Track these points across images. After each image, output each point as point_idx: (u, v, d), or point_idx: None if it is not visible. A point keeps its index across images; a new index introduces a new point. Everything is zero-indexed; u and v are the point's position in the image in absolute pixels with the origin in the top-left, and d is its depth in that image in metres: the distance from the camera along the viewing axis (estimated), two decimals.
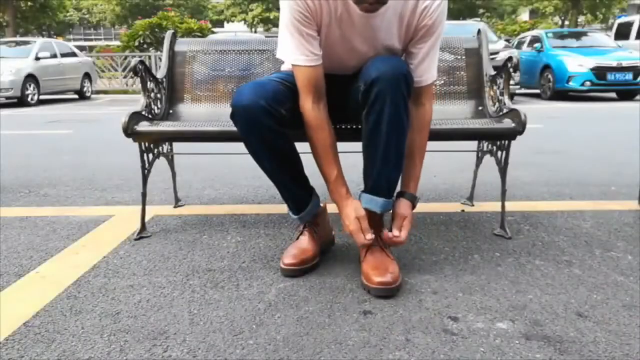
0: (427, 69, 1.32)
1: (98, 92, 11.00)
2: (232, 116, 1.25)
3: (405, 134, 1.25)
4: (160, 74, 1.82)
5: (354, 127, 1.45)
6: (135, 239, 1.64)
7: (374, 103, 1.20)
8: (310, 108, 1.26)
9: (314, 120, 1.26)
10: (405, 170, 1.32)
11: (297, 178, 1.37)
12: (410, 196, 1.32)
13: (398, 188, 1.34)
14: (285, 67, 1.49)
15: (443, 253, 1.50)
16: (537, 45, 8.73)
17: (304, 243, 1.40)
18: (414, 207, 1.33)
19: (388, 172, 1.27)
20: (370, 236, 1.25)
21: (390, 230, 1.29)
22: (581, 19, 23.74)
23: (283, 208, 2.00)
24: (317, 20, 1.23)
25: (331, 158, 1.28)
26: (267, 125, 1.22)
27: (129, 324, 1.10)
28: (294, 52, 1.24)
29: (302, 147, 1.32)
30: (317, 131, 1.27)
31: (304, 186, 1.40)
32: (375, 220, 1.32)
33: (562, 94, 8.19)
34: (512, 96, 7.37)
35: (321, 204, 1.47)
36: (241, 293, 1.25)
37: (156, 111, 1.75)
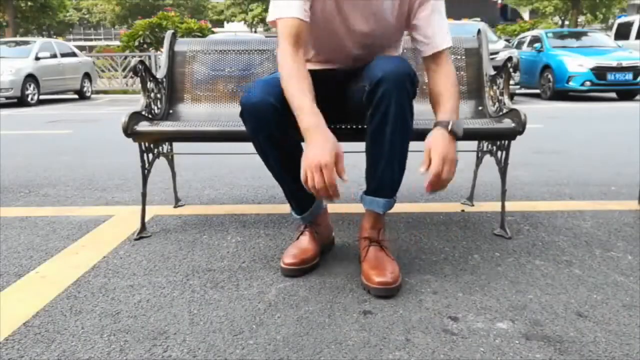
0: (437, 34, 1.29)
1: (98, 92, 11.00)
2: (241, 114, 1.25)
3: (409, 135, 1.25)
4: (160, 74, 1.82)
5: (354, 127, 1.45)
6: (135, 239, 1.64)
7: (379, 103, 1.19)
8: (290, 52, 1.20)
9: (289, 63, 1.19)
10: (438, 103, 1.26)
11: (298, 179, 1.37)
12: (442, 123, 1.20)
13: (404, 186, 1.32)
14: None
15: (443, 253, 1.50)
16: (537, 45, 8.73)
17: (305, 243, 1.40)
18: (452, 134, 1.19)
19: (391, 173, 1.27)
20: (345, 176, 1.11)
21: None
22: (581, 19, 23.73)
23: (283, 208, 2.00)
24: None
25: (309, 92, 1.15)
26: (276, 123, 1.22)
27: (129, 324, 1.10)
28: (287, 4, 1.21)
29: None
30: (299, 80, 1.16)
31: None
32: (377, 221, 1.32)
33: (562, 94, 8.19)
34: (512, 96, 7.36)
35: (323, 205, 1.47)
36: (241, 293, 1.25)
37: (156, 111, 1.75)
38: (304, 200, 1.39)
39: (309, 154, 1.10)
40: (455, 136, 1.21)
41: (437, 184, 1.16)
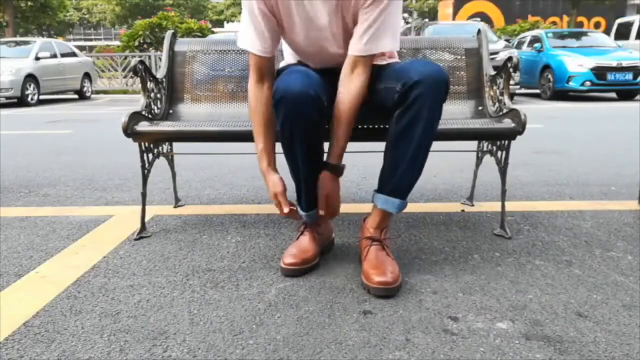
0: (375, 39, 1.25)
1: (98, 92, 11.01)
2: (278, 103, 1.22)
3: (433, 138, 1.26)
4: (160, 74, 1.82)
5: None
6: (135, 239, 1.64)
7: (412, 105, 1.20)
8: (254, 86, 1.34)
9: (252, 98, 1.34)
10: (333, 136, 1.29)
11: (317, 174, 1.37)
12: (332, 167, 1.30)
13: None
14: (285, 63, 1.49)
15: (443, 253, 1.50)
16: (537, 45, 8.73)
17: (305, 243, 1.40)
18: (338, 175, 1.33)
19: (412, 174, 1.28)
20: (286, 210, 1.32)
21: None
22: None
23: None
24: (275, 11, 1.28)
25: (264, 132, 1.33)
26: (313, 115, 1.22)
27: (128, 324, 1.10)
28: (248, 39, 1.31)
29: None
30: (258, 105, 1.33)
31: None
32: (384, 220, 1.33)
33: (562, 94, 8.19)
34: (512, 96, 7.37)
35: None
36: (241, 293, 1.25)
37: (156, 111, 1.75)
38: (312, 198, 1.38)
39: (269, 189, 1.35)
40: (339, 176, 1.33)
41: (328, 218, 1.37)
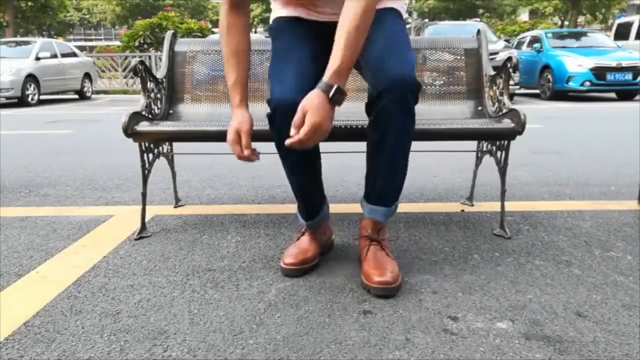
0: None
1: (98, 92, 11.00)
2: (273, 113, 1.17)
3: (410, 145, 1.23)
4: (161, 74, 1.82)
5: (350, 127, 1.44)
6: (136, 239, 1.64)
7: (380, 115, 1.16)
8: (228, 12, 1.26)
9: (225, 26, 1.26)
10: (333, 49, 1.09)
11: (316, 183, 1.36)
12: (325, 86, 1.07)
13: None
14: (275, 15, 1.40)
15: (443, 253, 1.50)
16: (536, 45, 8.73)
17: (305, 243, 1.40)
18: (332, 102, 1.08)
19: (393, 184, 1.26)
20: (247, 152, 1.20)
21: None
22: (581, 19, 23.73)
23: (283, 208, 2.00)
24: None
25: (234, 63, 1.26)
26: None
27: (129, 323, 1.10)
28: None
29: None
30: (230, 34, 1.26)
31: (319, 194, 1.39)
32: (377, 224, 1.32)
33: (562, 94, 8.19)
34: (511, 96, 7.37)
35: (328, 213, 1.46)
36: (241, 293, 1.25)
37: (156, 111, 1.75)
38: (311, 207, 1.38)
39: (232, 124, 1.24)
40: (334, 104, 1.09)
41: (298, 145, 1.08)
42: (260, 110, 1.79)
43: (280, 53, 1.31)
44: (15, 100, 8.33)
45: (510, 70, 1.57)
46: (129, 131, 1.52)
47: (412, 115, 1.19)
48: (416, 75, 1.21)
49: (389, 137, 1.19)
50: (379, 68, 1.17)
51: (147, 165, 1.65)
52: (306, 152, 1.21)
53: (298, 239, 1.43)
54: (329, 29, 1.15)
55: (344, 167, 2.79)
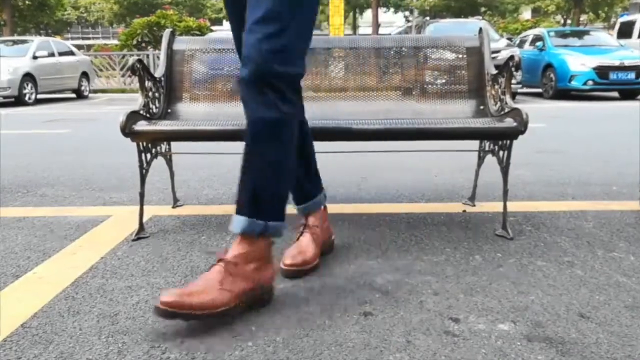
0: None
1: (96, 91, 10.99)
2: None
3: (274, 144, 1.08)
4: (159, 72, 1.81)
5: (347, 126, 1.44)
6: (134, 240, 1.63)
7: (243, 105, 1.08)
8: None
9: None
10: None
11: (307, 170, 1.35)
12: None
13: None
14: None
15: (444, 254, 1.49)
16: (539, 44, 8.73)
17: (304, 244, 1.39)
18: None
19: (247, 187, 1.12)
20: None
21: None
22: (583, 17, 23.75)
23: None
24: None
25: None
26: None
27: (127, 325, 1.09)
28: None
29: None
30: None
31: (313, 179, 1.39)
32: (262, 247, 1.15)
33: (564, 93, 8.19)
34: (513, 95, 7.35)
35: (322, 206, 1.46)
36: None
37: (154, 110, 1.74)
38: (305, 191, 1.38)
39: None
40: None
41: None
42: None
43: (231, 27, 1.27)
44: (13, 100, 8.31)
45: (513, 69, 1.56)
46: (127, 130, 1.51)
47: (268, 109, 1.04)
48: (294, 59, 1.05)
49: (247, 137, 1.09)
50: (245, 45, 1.06)
51: (145, 165, 1.64)
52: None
53: (298, 239, 1.41)
54: None
55: (344, 167, 2.78)
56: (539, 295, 1.22)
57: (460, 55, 1.81)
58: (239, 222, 1.12)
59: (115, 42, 18.25)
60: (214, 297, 1.04)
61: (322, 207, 1.46)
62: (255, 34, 1.03)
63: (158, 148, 1.77)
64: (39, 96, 8.88)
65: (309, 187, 1.41)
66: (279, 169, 1.12)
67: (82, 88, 9.94)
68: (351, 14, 25.75)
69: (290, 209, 1.42)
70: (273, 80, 1.04)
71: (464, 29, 7.99)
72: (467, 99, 1.78)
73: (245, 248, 1.11)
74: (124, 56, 10.82)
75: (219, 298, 1.05)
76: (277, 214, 1.14)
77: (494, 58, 1.86)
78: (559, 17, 25.62)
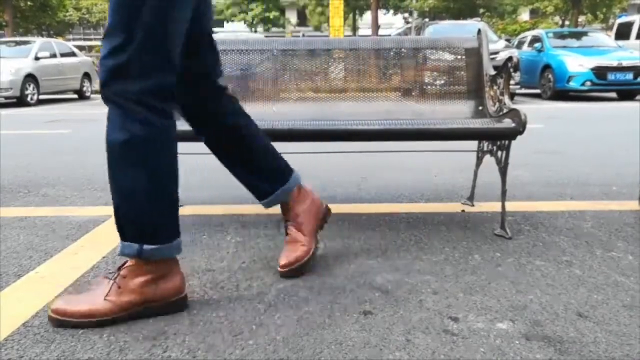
0: None
1: (97, 92, 10.98)
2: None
3: (124, 170, 1.03)
4: None
5: (347, 127, 1.44)
6: None
7: None
8: None
9: None
10: None
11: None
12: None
13: None
14: None
15: (443, 253, 1.50)
16: (537, 45, 8.74)
17: (292, 239, 1.36)
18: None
19: (115, 208, 1.10)
20: None
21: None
22: (581, 18, 23.74)
23: None
24: None
25: None
26: None
27: (128, 324, 1.10)
28: None
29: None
30: None
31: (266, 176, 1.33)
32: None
33: (563, 94, 8.19)
34: (512, 96, 7.37)
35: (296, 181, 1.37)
36: (241, 293, 1.25)
37: None
38: (262, 190, 1.33)
39: None
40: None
41: None
42: (261, 110, 1.79)
43: None
44: (15, 100, 8.33)
45: (511, 70, 1.57)
46: None
47: (117, 130, 1.00)
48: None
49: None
50: None
51: None
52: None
53: (286, 234, 1.38)
54: None
55: (344, 167, 2.79)
56: (538, 295, 1.23)
57: (459, 57, 1.82)
58: (120, 244, 1.11)
59: None
60: (97, 307, 1.07)
61: (297, 189, 1.37)
62: (102, 50, 1.01)
63: None
64: (41, 97, 8.90)
65: (265, 187, 1.33)
66: (133, 193, 1.05)
67: (84, 89, 9.96)
68: (351, 15, 25.81)
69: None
70: (116, 99, 1.00)
71: (462, 30, 8.01)
72: (466, 99, 1.79)
73: (133, 264, 1.11)
74: None
75: (101, 308, 1.07)
76: (152, 237, 1.08)
77: (492, 59, 1.87)
78: (557, 18, 25.63)
